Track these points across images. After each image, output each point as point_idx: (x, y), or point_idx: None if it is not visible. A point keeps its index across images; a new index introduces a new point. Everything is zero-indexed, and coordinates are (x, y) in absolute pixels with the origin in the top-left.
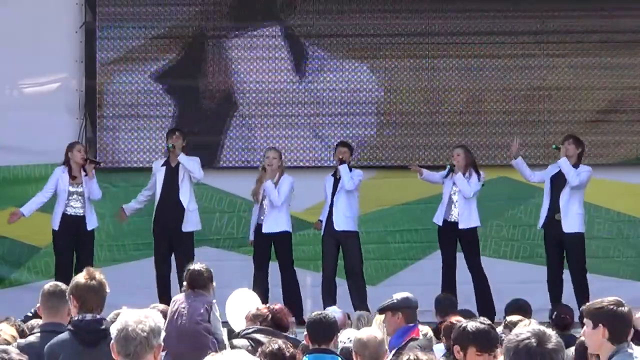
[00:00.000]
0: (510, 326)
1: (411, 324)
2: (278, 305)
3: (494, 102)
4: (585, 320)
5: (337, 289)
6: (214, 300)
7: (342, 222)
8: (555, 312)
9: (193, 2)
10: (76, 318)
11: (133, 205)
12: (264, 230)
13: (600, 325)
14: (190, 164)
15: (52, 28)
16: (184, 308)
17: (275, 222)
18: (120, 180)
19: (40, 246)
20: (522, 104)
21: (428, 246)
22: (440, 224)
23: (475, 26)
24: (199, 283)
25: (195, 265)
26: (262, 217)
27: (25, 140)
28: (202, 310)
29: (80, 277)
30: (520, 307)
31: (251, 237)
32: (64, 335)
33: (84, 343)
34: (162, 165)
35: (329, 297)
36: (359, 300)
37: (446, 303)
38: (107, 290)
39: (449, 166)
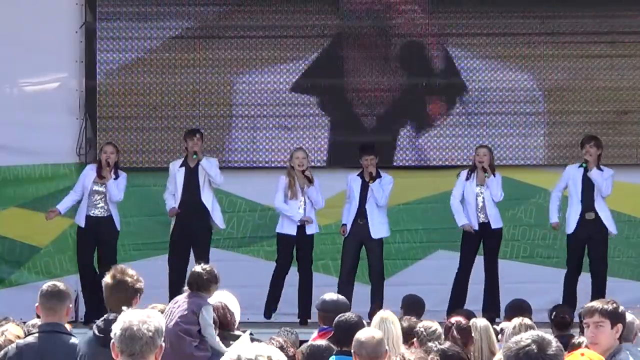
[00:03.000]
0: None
1: (325, 326)
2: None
3: (495, 103)
4: (600, 320)
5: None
6: (207, 304)
7: (379, 229)
8: (554, 312)
9: (192, 2)
10: (104, 318)
11: (171, 201)
12: (308, 232)
13: (619, 324)
14: (212, 170)
15: (52, 28)
16: (174, 308)
17: (315, 224)
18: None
19: (40, 246)
20: (524, 105)
21: (428, 246)
22: (476, 227)
23: (476, 26)
24: (197, 284)
25: (198, 267)
26: (299, 218)
27: (25, 140)
28: (186, 312)
29: (106, 277)
30: (521, 307)
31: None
32: (90, 334)
33: (105, 344)
34: (181, 166)
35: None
36: (375, 303)
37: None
38: (132, 287)
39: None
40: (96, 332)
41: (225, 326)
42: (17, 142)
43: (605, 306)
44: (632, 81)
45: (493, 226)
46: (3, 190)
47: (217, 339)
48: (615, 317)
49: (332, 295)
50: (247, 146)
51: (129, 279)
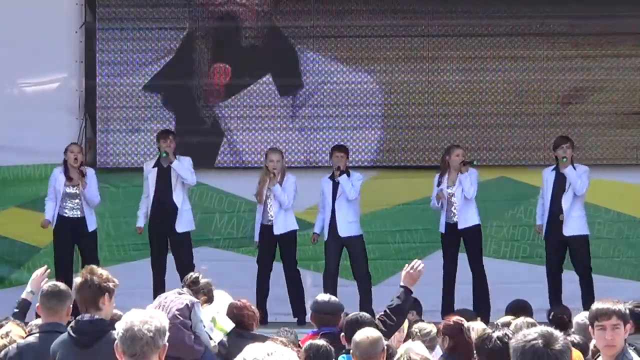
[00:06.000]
0: (501, 328)
1: (316, 329)
2: (243, 303)
3: (495, 104)
4: (617, 322)
5: (340, 290)
6: (198, 301)
7: (346, 228)
8: (552, 312)
9: (193, 3)
10: (76, 318)
11: (142, 220)
12: (275, 232)
13: (628, 324)
14: (183, 172)
15: (52, 28)
16: (166, 302)
17: (284, 223)
18: (120, 180)
19: (40, 246)
20: (522, 106)
21: (428, 246)
22: (444, 230)
23: (479, 27)
24: (191, 287)
25: (196, 274)
26: (269, 219)
27: (25, 140)
28: (182, 306)
29: (76, 277)
30: (521, 307)
31: (257, 238)
32: (65, 334)
33: (78, 344)
34: (154, 167)
35: (331, 293)
36: (365, 302)
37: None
38: (97, 286)
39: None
40: (71, 332)
41: (243, 325)
42: (17, 142)
43: (620, 307)
44: (631, 82)
45: (466, 225)
46: (3, 190)
47: (207, 335)
48: (627, 317)
49: (324, 297)
50: (245, 147)
51: (96, 279)
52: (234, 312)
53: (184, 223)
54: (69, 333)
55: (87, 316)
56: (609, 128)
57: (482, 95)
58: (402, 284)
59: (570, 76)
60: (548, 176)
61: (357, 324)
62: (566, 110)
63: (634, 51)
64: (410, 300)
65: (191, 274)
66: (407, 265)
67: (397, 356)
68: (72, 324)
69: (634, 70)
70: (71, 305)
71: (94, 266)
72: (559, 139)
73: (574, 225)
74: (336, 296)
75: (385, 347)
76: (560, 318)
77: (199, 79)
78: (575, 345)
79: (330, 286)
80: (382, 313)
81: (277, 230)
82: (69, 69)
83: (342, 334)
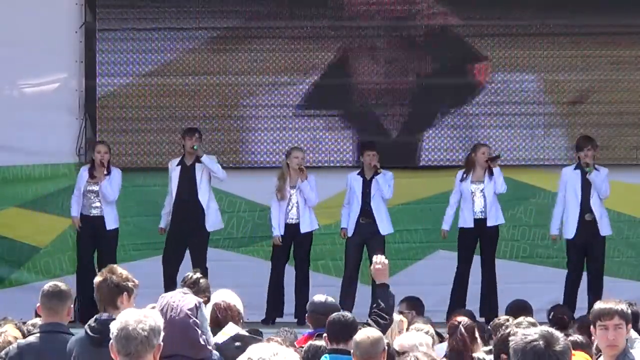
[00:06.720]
0: (497, 328)
1: (312, 330)
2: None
3: (496, 104)
4: (619, 322)
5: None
6: (202, 301)
7: (387, 225)
8: (553, 312)
9: (193, 3)
10: (94, 317)
11: (165, 219)
12: (302, 230)
13: (630, 324)
14: (213, 165)
15: (52, 28)
16: (174, 302)
17: (310, 222)
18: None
19: (40, 246)
20: (524, 106)
21: (428, 246)
22: (472, 224)
23: (475, 27)
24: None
25: (196, 275)
26: (291, 217)
27: (25, 140)
28: (192, 306)
29: (96, 277)
30: (521, 307)
31: (280, 233)
32: (82, 332)
33: (93, 343)
34: (177, 165)
35: (349, 298)
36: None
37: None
38: (116, 285)
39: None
40: (88, 331)
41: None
42: (17, 142)
43: (622, 307)
44: (631, 82)
45: (490, 223)
46: (3, 190)
47: (211, 334)
48: (628, 317)
49: (320, 297)
50: (246, 147)
51: (115, 278)
52: (217, 314)
53: (213, 222)
54: (86, 331)
55: (105, 315)
56: (609, 128)
57: (482, 95)
58: (377, 282)
59: (570, 76)
60: (571, 175)
61: (340, 324)
62: (567, 111)
63: (634, 51)
64: (391, 293)
65: (190, 274)
66: (372, 265)
67: (403, 353)
68: (91, 322)
69: (634, 71)
70: (72, 306)
71: (115, 265)
72: (583, 140)
73: (605, 226)
74: (354, 300)
75: (386, 347)
76: (560, 318)
77: (202, 78)
78: (577, 345)
79: (348, 292)
80: (373, 313)
81: (304, 228)
82: (69, 69)
83: (325, 334)
